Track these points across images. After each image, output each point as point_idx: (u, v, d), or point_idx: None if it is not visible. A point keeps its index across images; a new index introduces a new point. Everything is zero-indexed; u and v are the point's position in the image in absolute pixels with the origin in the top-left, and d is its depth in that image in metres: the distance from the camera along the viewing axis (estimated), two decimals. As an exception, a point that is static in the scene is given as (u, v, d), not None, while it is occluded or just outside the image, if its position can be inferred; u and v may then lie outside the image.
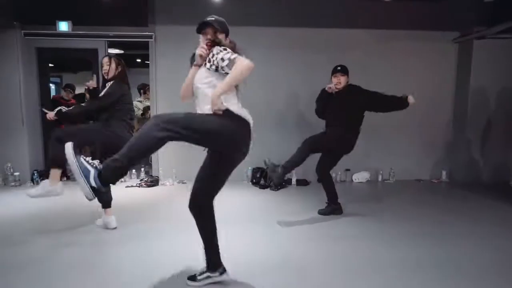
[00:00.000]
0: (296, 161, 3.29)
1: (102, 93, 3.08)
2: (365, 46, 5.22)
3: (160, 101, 5.19)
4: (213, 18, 2.15)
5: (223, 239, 2.18)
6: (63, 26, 4.86)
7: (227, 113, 1.85)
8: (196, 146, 1.93)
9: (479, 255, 2.63)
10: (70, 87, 5.80)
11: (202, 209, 2.03)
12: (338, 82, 3.50)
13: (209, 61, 1.93)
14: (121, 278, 2.26)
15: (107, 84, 3.11)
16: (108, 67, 3.12)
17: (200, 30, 2.12)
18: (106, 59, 3.17)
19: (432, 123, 5.41)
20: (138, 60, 7.93)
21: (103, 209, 3.10)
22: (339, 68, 3.55)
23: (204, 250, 2.08)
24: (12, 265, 2.43)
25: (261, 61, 4.93)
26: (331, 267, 2.43)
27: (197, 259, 2.22)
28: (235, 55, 1.88)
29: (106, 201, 3.07)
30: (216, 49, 1.94)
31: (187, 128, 1.74)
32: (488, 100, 5.17)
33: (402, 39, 5.22)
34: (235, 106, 1.94)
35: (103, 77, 3.18)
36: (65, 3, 4.84)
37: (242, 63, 1.83)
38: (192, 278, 2.13)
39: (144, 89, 6.27)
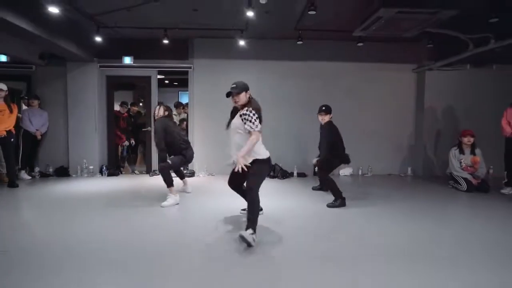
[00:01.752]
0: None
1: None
2: (349, 75, 6.97)
3: (196, 114, 6.95)
4: (235, 85, 3.12)
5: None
6: (127, 60, 6.67)
7: (259, 161, 3.09)
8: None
9: (428, 217, 4.34)
10: (125, 103, 7.59)
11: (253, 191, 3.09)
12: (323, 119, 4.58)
13: (241, 117, 3.04)
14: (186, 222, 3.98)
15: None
16: (157, 112, 4.55)
17: (228, 95, 3.15)
18: (157, 107, 4.60)
19: (399, 132, 7.13)
20: (175, 83, 9.84)
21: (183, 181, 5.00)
22: (323, 108, 4.60)
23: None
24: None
25: (272, 86, 6.81)
26: (328, 221, 4.15)
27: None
28: (252, 128, 2.96)
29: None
30: (244, 111, 3.02)
31: (259, 184, 3.11)
32: (438, 114, 6.93)
33: (376, 69, 6.99)
34: (262, 151, 3.14)
35: None
36: (130, 43, 6.66)
37: (253, 140, 2.96)
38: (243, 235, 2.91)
39: (178, 105, 8.04)
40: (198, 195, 5.02)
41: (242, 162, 2.93)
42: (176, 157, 4.51)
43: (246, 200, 3.38)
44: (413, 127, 7.18)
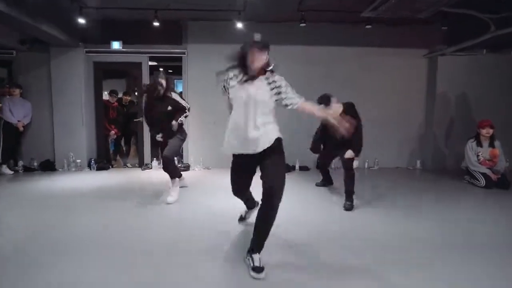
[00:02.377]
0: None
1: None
2: (355, 60, 6.47)
3: (191, 104, 6.43)
4: (259, 38, 2.41)
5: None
6: (116, 45, 6.16)
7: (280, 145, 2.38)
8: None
9: (437, 213, 3.93)
10: (114, 92, 7.10)
11: None
12: None
13: (270, 85, 2.29)
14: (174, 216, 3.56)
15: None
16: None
17: (262, 48, 2.27)
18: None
19: (408, 122, 6.67)
20: (170, 71, 9.32)
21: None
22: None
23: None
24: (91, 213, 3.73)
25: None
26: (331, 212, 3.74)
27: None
28: (297, 101, 2.38)
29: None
30: (274, 77, 2.34)
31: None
32: (450, 103, 6.46)
33: (384, 54, 6.47)
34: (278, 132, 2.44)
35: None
36: (118, 27, 6.14)
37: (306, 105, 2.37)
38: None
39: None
40: (195, 191, 4.62)
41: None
42: (174, 140, 4.02)
43: (250, 207, 3.06)
44: (422, 117, 6.72)
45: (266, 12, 5.62)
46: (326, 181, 4.87)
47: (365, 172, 6.37)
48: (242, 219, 3.22)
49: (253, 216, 2.73)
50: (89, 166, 6.22)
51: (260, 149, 2.28)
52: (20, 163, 6.04)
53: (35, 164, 6.14)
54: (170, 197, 3.94)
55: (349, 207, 3.77)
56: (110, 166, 6.49)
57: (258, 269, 2.19)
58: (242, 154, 2.37)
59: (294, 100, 2.36)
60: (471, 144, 5.03)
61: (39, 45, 5.91)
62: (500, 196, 4.41)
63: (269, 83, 2.34)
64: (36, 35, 5.39)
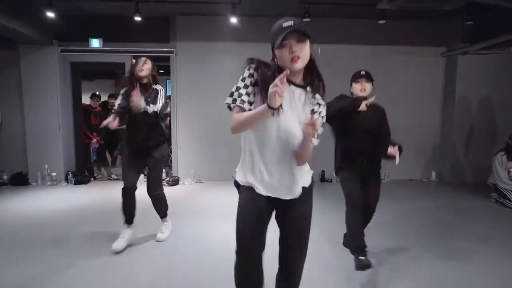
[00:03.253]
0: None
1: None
2: (364, 60, 5.78)
3: (180, 108, 5.78)
4: (297, 22, 1.46)
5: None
6: (95, 43, 5.46)
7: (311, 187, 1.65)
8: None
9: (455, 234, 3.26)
10: (97, 96, 6.41)
11: None
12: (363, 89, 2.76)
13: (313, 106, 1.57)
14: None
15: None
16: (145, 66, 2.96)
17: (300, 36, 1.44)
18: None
19: (422, 128, 6.00)
20: (161, 71, 8.57)
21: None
22: (362, 72, 2.84)
23: None
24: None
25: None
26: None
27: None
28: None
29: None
30: (318, 98, 1.60)
31: None
32: (472, 108, 5.79)
33: (397, 53, 5.81)
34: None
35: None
36: (97, 22, 5.45)
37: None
38: None
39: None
40: (185, 212, 3.94)
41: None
42: (158, 163, 3.06)
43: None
44: (439, 123, 6.04)
45: (264, 4, 4.93)
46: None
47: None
48: None
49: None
50: (67, 179, 5.53)
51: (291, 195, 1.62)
52: (-12, 176, 5.35)
53: (5, 177, 5.45)
54: (161, 234, 3.16)
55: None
56: (93, 178, 5.81)
57: None
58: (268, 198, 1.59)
59: None
60: (501, 158, 4.37)
61: (6, 43, 5.20)
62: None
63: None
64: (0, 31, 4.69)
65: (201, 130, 5.70)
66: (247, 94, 1.50)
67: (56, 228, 3.49)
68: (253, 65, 1.54)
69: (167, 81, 10.12)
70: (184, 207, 4.28)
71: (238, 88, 1.51)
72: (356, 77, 2.83)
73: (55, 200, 4.60)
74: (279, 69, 1.45)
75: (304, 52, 1.46)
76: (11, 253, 2.91)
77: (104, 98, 7.07)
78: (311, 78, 1.58)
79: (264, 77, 1.46)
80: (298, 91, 1.54)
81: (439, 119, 6.04)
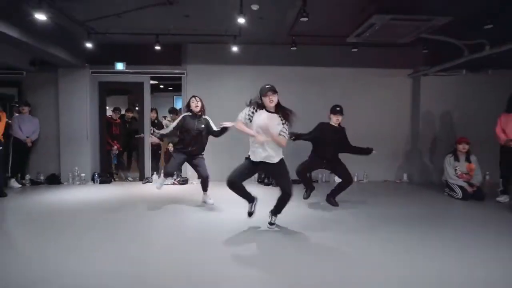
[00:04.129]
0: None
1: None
2: (344, 80, 6.91)
3: (189, 121, 6.84)
4: (271, 86, 3.35)
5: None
6: (120, 66, 6.59)
7: (282, 161, 3.49)
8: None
9: (421, 223, 4.27)
10: (118, 109, 7.50)
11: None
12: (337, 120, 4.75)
13: (280, 121, 3.35)
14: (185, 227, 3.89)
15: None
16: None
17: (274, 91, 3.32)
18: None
19: (395, 138, 7.07)
20: (170, 88, 9.78)
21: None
22: (338, 108, 4.73)
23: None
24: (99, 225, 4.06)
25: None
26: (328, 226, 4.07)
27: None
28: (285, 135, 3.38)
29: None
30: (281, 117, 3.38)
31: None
32: (434, 120, 6.87)
33: (372, 74, 6.92)
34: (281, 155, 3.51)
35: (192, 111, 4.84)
36: (121, 49, 6.58)
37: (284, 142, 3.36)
38: (250, 213, 3.71)
39: (173, 111, 7.95)
40: (193, 205, 4.93)
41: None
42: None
43: (248, 199, 3.68)
44: (409, 133, 7.11)
45: (259, 36, 6.07)
46: (310, 188, 5.01)
47: (354, 185, 6.68)
48: (250, 214, 3.73)
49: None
50: (93, 179, 6.55)
51: (267, 160, 3.42)
52: (27, 177, 6.37)
53: (42, 177, 6.48)
54: (209, 200, 4.91)
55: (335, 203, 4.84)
56: (112, 180, 6.83)
57: (272, 224, 3.67)
58: (259, 162, 3.47)
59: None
60: (449, 159, 5.39)
61: (47, 66, 6.33)
62: (475, 207, 4.75)
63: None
64: (45, 57, 5.82)
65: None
66: (248, 116, 3.40)
67: (89, 214, 4.50)
68: (251, 105, 3.44)
69: (175, 97, 11.31)
70: (193, 202, 5.28)
71: (244, 113, 3.44)
72: (333, 111, 4.80)
73: (89, 193, 5.62)
74: (263, 106, 3.38)
75: (275, 99, 3.33)
76: (55, 232, 3.92)
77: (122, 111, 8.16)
78: (279, 109, 3.42)
79: (255, 110, 3.42)
80: (272, 115, 3.39)
81: (408, 129, 7.11)
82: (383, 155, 7.03)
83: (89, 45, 5.62)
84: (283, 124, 3.36)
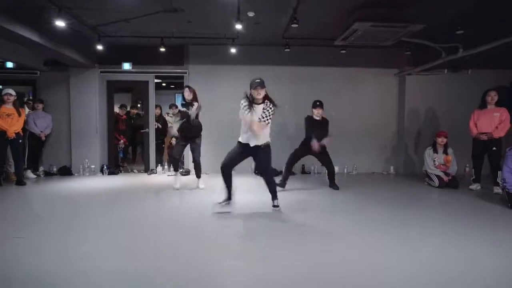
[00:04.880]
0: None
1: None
2: (334, 79, 7.43)
3: (191, 117, 7.36)
4: (260, 80, 3.81)
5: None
6: (126, 66, 7.10)
7: (268, 147, 3.96)
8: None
9: (405, 211, 4.81)
10: (124, 106, 8.02)
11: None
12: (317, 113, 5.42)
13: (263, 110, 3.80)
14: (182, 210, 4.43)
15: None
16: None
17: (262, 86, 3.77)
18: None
19: (382, 132, 7.59)
20: (172, 86, 10.30)
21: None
22: (318, 103, 5.43)
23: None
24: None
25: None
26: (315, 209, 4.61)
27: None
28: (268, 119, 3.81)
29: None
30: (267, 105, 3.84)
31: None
32: (418, 116, 7.39)
33: (360, 73, 7.45)
34: (268, 139, 3.98)
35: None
36: (128, 51, 7.09)
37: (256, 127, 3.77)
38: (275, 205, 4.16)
39: (172, 106, 8.44)
40: (194, 194, 5.46)
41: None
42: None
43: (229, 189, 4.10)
44: (395, 128, 7.64)
45: (255, 39, 6.59)
46: (285, 182, 5.56)
47: (344, 177, 7.23)
48: (216, 206, 4.13)
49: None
50: (102, 171, 7.08)
51: (253, 144, 3.91)
52: (41, 168, 6.89)
53: (54, 169, 7.01)
54: (202, 185, 5.60)
55: (337, 187, 5.58)
56: (120, 171, 7.36)
57: (275, 206, 4.11)
58: (245, 144, 3.94)
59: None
60: (429, 151, 5.93)
61: (60, 66, 6.84)
62: (449, 194, 5.29)
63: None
64: (59, 58, 6.33)
65: (207, 133, 7.25)
66: (245, 108, 3.85)
67: (101, 199, 5.04)
68: (245, 98, 3.89)
69: (176, 94, 11.81)
70: (196, 191, 5.82)
71: (242, 107, 3.89)
72: (313, 106, 5.46)
73: (99, 183, 6.15)
74: (253, 98, 3.82)
75: (262, 92, 3.80)
76: (72, 212, 4.46)
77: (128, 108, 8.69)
78: (266, 100, 3.87)
79: (249, 101, 3.86)
80: (259, 106, 3.84)
81: (395, 124, 7.64)
82: (372, 149, 7.59)
83: (99, 47, 6.13)
84: (264, 111, 3.78)
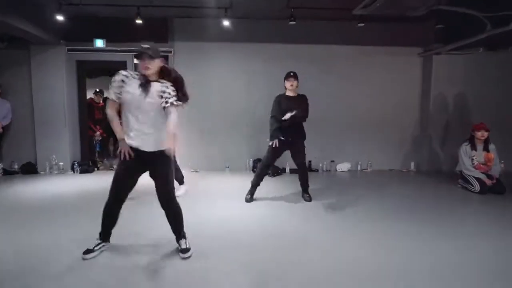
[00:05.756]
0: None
1: None
2: (347, 59, 6.26)
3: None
4: (148, 46, 2.45)
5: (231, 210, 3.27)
6: (99, 43, 5.92)
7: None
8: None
9: (434, 219, 3.75)
10: (100, 92, 6.87)
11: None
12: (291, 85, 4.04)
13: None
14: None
15: None
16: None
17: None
18: None
19: (402, 123, 6.47)
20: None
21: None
22: (292, 73, 4.09)
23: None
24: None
25: (261, 72, 6.12)
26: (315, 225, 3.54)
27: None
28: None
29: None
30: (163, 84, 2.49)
31: None
32: (447, 104, 6.27)
33: (377, 53, 6.27)
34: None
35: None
36: (101, 24, 5.90)
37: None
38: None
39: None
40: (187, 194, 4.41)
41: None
42: None
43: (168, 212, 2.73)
44: (417, 118, 6.52)
45: (253, 9, 5.40)
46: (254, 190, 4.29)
47: (357, 174, 6.19)
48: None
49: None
50: (72, 169, 6.01)
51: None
52: (0, 166, 5.81)
53: (16, 167, 5.93)
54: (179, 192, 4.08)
55: (308, 199, 4.23)
56: (96, 169, 6.28)
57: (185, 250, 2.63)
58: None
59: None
60: (465, 147, 4.84)
61: (18, 43, 5.67)
62: (495, 202, 4.24)
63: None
64: (13, 32, 5.15)
65: (197, 123, 6.16)
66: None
67: (66, 209, 3.97)
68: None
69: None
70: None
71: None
72: (286, 77, 4.14)
73: (66, 185, 5.08)
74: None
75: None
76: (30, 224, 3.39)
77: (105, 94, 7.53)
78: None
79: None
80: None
81: (417, 114, 6.51)
82: (389, 142, 6.50)
83: (60, 17, 4.96)
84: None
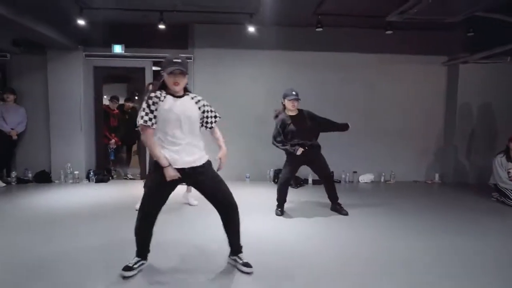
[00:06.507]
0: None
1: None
2: (371, 68, 6.10)
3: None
4: (181, 61, 2.32)
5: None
6: (117, 49, 5.77)
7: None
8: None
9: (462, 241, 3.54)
10: (116, 98, 6.69)
11: None
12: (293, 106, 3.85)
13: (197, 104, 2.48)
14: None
15: None
16: None
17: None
18: None
19: (426, 132, 6.30)
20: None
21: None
22: (295, 93, 3.84)
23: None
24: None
25: (283, 78, 5.94)
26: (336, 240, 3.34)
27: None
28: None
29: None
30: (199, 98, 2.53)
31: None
32: (473, 113, 6.10)
33: (401, 61, 6.13)
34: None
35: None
36: (120, 29, 5.76)
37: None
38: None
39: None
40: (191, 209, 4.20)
41: None
42: None
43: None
44: (442, 128, 6.35)
45: (280, 15, 5.25)
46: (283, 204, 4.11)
47: (380, 186, 5.99)
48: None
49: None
50: (88, 177, 5.81)
51: None
52: (14, 174, 5.61)
53: (30, 175, 5.72)
54: (194, 201, 4.29)
55: (345, 212, 3.99)
56: (110, 178, 6.08)
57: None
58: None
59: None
60: (501, 159, 4.66)
61: (35, 48, 5.53)
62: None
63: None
64: (30, 37, 5.01)
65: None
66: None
67: (82, 221, 3.76)
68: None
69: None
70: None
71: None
72: (290, 96, 3.83)
73: (82, 195, 4.87)
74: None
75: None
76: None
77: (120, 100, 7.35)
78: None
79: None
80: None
81: (442, 123, 6.34)
82: (413, 153, 6.32)
83: (81, 22, 4.81)
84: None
